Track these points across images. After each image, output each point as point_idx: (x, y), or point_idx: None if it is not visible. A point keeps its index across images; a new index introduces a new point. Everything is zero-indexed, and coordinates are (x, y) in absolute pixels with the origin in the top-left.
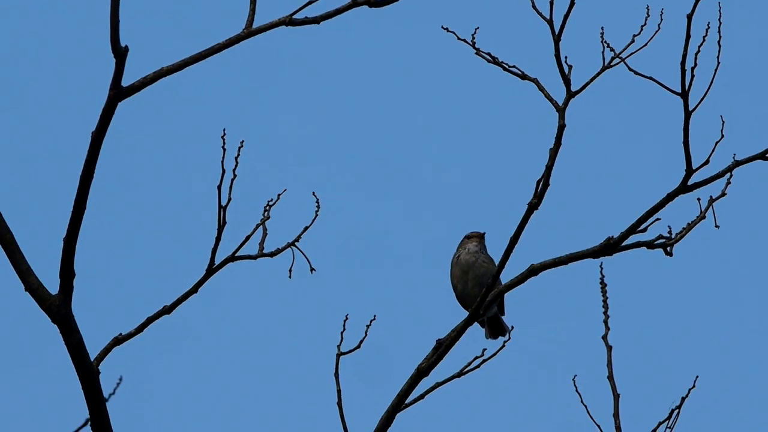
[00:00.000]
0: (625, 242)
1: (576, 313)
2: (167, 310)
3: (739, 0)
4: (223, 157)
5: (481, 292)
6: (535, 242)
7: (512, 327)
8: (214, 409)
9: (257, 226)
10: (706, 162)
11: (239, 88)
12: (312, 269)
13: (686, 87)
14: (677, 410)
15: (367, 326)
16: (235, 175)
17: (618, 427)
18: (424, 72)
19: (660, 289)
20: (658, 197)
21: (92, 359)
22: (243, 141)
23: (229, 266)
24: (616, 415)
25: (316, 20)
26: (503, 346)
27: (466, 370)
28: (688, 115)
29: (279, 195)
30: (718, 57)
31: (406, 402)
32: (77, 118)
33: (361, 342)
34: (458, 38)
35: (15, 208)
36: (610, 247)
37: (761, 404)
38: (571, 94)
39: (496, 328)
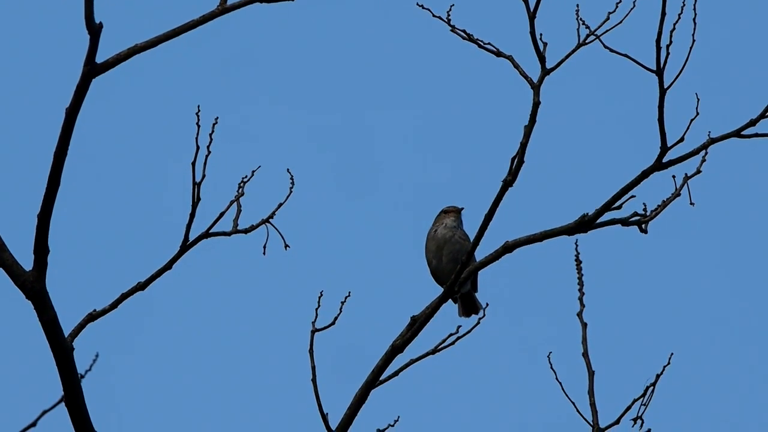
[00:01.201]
0: (600, 219)
1: (551, 290)
2: (141, 287)
3: None
4: (197, 134)
5: (456, 269)
6: (510, 219)
7: (487, 304)
8: (189, 385)
9: (231, 202)
10: (681, 139)
11: (214, 65)
12: (286, 246)
13: (661, 64)
14: (652, 387)
15: (342, 303)
16: (209, 152)
17: (593, 404)
18: (399, 49)
19: (635, 267)
20: (633, 174)
21: (66, 335)
22: (217, 118)
23: (204, 243)
24: (590, 392)
25: None
26: (478, 323)
27: (440, 347)
28: (663, 92)
29: (253, 172)
30: (693, 35)
31: (380, 379)
32: (51, 95)
33: (336, 318)
34: (433, 15)
35: None
36: (585, 224)
37: (735, 381)
38: (546, 72)
39: (470, 306)
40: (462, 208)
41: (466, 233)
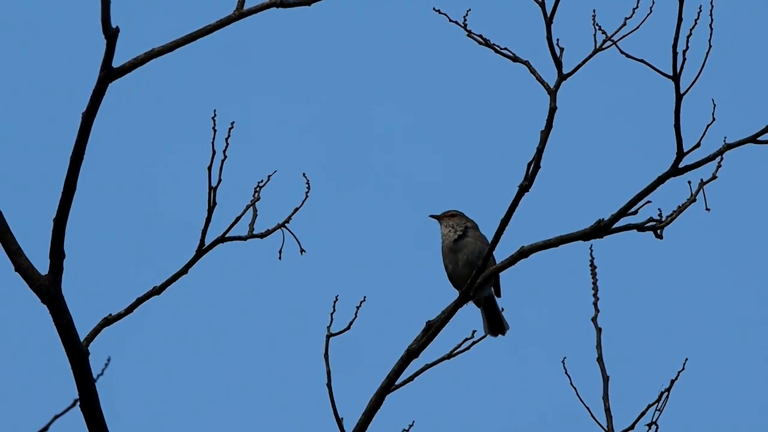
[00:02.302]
0: (616, 225)
1: (566, 296)
2: (157, 291)
3: None
4: (214, 138)
5: (472, 272)
6: (526, 224)
7: (502, 309)
8: (204, 390)
9: (247, 207)
10: (697, 145)
11: (230, 70)
12: (302, 250)
13: (678, 70)
14: (667, 393)
15: (357, 307)
16: (225, 156)
17: (607, 410)
18: (415, 54)
19: (650, 272)
20: (648, 180)
21: (82, 340)
22: (233, 122)
23: (219, 247)
24: (605, 397)
25: (306, 2)
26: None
27: (456, 351)
28: (679, 98)
29: (269, 176)
30: (709, 40)
31: (395, 383)
32: (68, 99)
33: (351, 323)
34: (450, 20)
35: (5, 189)
36: (601, 229)
37: (750, 386)
38: (562, 77)
39: (496, 325)
40: (469, 221)
41: (483, 235)
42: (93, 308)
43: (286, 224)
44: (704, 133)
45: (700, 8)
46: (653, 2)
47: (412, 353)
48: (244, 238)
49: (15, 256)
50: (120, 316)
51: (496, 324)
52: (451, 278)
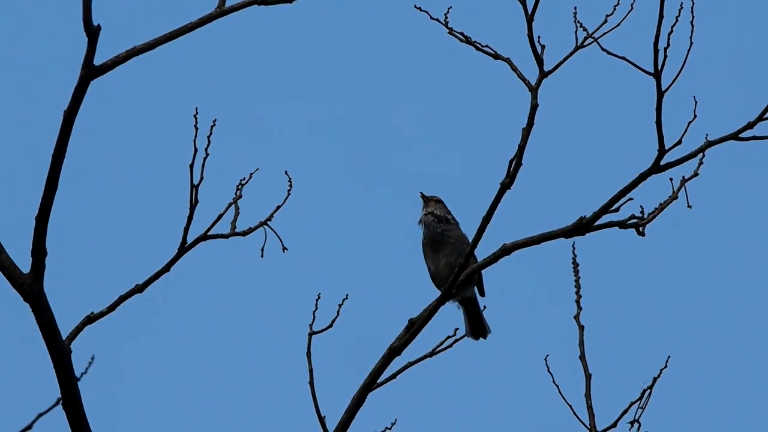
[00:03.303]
0: (598, 222)
1: (548, 293)
2: (139, 289)
3: None
4: (195, 136)
5: (453, 272)
6: (508, 222)
7: (484, 307)
8: (186, 388)
9: (229, 205)
10: (679, 142)
11: (212, 67)
12: (284, 248)
13: (659, 67)
14: (649, 390)
15: (340, 305)
16: (207, 154)
17: (589, 407)
18: (396, 51)
19: (632, 269)
20: (630, 177)
21: (64, 338)
22: (215, 120)
23: (202, 245)
24: (587, 395)
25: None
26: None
27: (438, 349)
28: (660, 95)
29: (251, 174)
30: (691, 37)
31: (378, 381)
32: (49, 97)
33: (334, 321)
34: (431, 17)
35: None
36: (583, 226)
37: (733, 384)
38: (543, 74)
39: (478, 328)
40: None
41: (465, 234)
42: (75, 306)
43: (269, 222)
44: (686, 131)
45: (681, 5)
46: None
47: (394, 351)
48: (227, 236)
49: None
50: (102, 314)
51: (477, 326)
52: (433, 279)
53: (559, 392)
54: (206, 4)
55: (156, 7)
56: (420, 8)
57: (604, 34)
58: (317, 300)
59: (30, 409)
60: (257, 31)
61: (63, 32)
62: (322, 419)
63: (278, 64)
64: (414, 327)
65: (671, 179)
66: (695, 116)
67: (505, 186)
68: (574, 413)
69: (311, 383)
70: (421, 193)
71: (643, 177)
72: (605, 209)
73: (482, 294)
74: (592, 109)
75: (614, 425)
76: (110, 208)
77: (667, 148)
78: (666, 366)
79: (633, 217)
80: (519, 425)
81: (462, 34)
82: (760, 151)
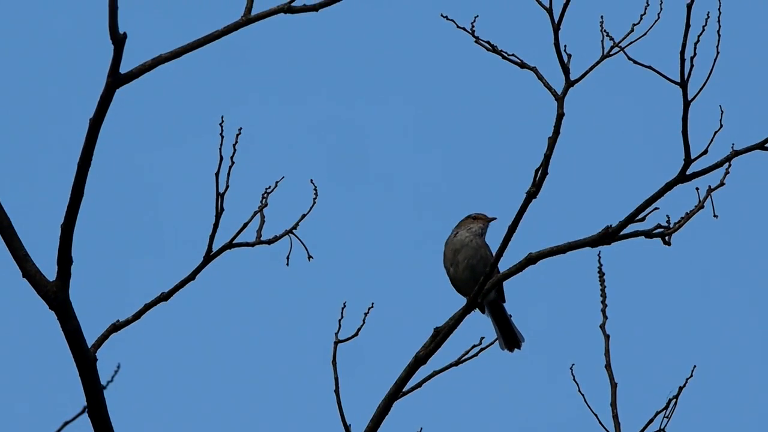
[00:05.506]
0: (624, 231)
1: (574, 302)
2: (165, 297)
3: None
4: (221, 144)
5: (473, 277)
6: (534, 231)
7: (510, 315)
8: (212, 396)
9: (255, 213)
10: (705, 152)
11: (237, 76)
12: (309, 257)
13: (685, 76)
14: (675, 400)
15: (365, 314)
16: (233, 162)
17: (615, 416)
18: (423, 60)
19: (658, 279)
20: (656, 187)
21: (89, 346)
22: (241, 128)
23: (227, 253)
24: (613, 404)
25: (314, 8)
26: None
27: (463, 358)
28: (687, 104)
29: (277, 182)
30: (717, 46)
31: (403, 390)
32: (75, 105)
33: (359, 329)
34: (458, 26)
35: (13, 194)
36: (609, 236)
37: (758, 394)
38: (570, 83)
39: (511, 340)
40: (493, 218)
41: (486, 243)
42: (101, 314)
43: (294, 230)
44: (712, 140)
45: (708, 15)
46: (661, 8)
47: (419, 360)
48: (252, 245)
49: (23, 262)
50: (128, 322)
51: (509, 336)
52: (453, 282)
53: (585, 401)
54: (232, 13)
55: (182, 15)
56: (447, 17)
57: (631, 43)
58: (343, 308)
59: (56, 417)
60: (284, 39)
61: (89, 40)
62: (347, 428)
63: (305, 71)
64: (439, 336)
65: (697, 189)
66: (721, 126)
67: (531, 195)
68: (600, 422)
69: (337, 392)
70: (483, 215)
71: (669, 186)
72: (631, 218)
73: (503, 300)
74: (618, 118)
75: None
76: (136, 217)
77: (693, 157)
78: (692, 375)
79: (659, 226)
80: None
81: (488, 42)
82: None
